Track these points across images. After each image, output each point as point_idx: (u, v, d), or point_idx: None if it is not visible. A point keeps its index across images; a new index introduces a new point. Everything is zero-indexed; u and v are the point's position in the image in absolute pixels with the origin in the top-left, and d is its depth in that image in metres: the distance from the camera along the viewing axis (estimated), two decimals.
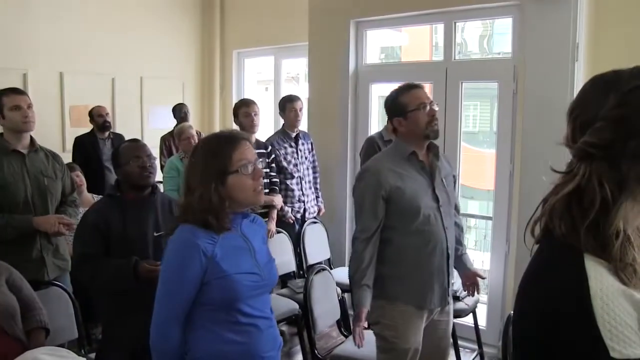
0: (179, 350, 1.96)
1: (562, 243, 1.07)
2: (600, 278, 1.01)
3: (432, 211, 2.71)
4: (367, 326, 2.86)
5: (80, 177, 4.42)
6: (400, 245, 2.72)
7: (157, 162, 3.29)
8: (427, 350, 2.85)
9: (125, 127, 6.27)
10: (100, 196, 3.75)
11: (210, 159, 1.96)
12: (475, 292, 3.12)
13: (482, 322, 4.41)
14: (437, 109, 2.74)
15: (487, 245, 5.65)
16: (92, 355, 3.04)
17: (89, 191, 4.59)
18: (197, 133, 5.23)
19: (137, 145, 2.91)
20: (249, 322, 2.00)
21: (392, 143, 2.89)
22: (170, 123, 6.51)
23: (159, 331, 1.94)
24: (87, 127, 6.14)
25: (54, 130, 6.32)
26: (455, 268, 3.03)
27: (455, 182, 3.02)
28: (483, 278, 3.16)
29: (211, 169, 1.94)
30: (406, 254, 2.72)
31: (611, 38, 3.79)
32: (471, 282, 3.06)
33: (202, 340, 1.97)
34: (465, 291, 3.20)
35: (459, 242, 3.03)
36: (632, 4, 3.73)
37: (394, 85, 2.84)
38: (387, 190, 2.65)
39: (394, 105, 2.76)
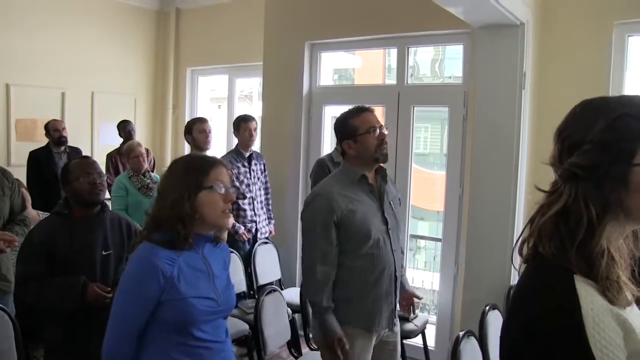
0: None
1: (553, 263, 1.11)
2: (590, 298, 1.05)
3: (381, 234, 2.72)
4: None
5: (25, 194, 4.28)
6: (349, 269, 2.70)
7: None
8: None
9: (75, 143, 6.12)
10: (48, 213, 3.64)
11: (188, 171, 2.01)
12: (412, 312, 3.13)
13: (430, 343, 4.45)
14: (387, 132, 2.74)
15: (436, 266, 5.70)
16: None
17: (44, 206, 4.45)
18: (146, 151, 5.16)
19: (87, 162, 2.89)
20: (201, 345, 1.98)
21: (340, 166, 2.87)
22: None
23: (111, 349, 1.91)
24: (34, 142, 6.00)
25: None
26: None
27: (400, 204, 3.04)
28: (420, 298, 3.16)
29: (187, 180, 1.98)
30: (355, 277, 2.70)
31: (556, 68, 3.94)
32: (408, 302, 3.08)
33: (152, 359, 1.95)
34: (401, 311, 3.15)
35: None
36: (574, 36, 3.89)
37: (347, 108, 2.86)
38: (339, 215, 2.63)
39: (344, 128, 2.75)
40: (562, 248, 1.10)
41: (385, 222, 2.75)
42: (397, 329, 2.94)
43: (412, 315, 3.17)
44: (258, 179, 4.87)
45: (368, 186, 2.74)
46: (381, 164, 2.79)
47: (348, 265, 2.70)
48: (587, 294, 1.06)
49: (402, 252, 3.07)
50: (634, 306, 1.14)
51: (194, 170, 2.01)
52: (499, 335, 1.22)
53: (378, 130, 2.69)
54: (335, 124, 2.85)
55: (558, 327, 1.05)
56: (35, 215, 4.22)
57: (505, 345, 1.20)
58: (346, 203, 2.65)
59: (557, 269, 1.10)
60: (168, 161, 7.05)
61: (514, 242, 1.25)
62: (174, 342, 1.94)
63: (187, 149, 5.22)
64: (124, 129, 6.46)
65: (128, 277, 1.94)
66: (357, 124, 2.70)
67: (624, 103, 1.15)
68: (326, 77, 5.45)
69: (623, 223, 1.13)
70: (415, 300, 3.09)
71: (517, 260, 1.22)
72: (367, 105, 2.83)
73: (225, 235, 4.42)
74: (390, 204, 2.82)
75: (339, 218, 2.63)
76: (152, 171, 5.49)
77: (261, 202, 4.91)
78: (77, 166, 2.82)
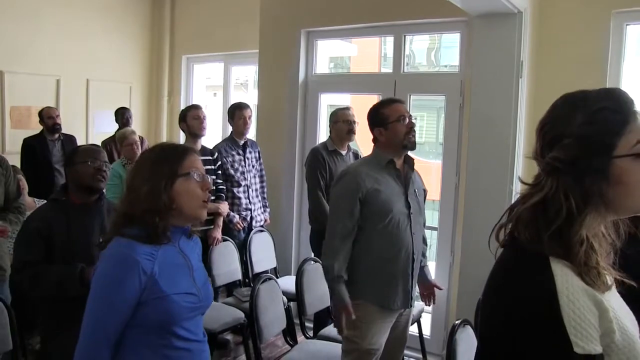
0: None
1: (529, 248, 1.14)
2: (565, 277, 1.08)
3: (403, 217, 2.86)
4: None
5: (22, 182, 4.26)
6: (368, 245, 2.84)
7: None
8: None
9: (70, 130, 6.07)
10: (44, 200, 3.62)
11: (161, 160, 1.89)
12: (432, 302, 3.26)
13: (426, 331, 4.46)
14: (415, 122, 2.94)
15: (432, 255, 5.71)
16: None
17: (38, 194, 4.42)
18: (140, 138, 5.13)
19: (97, 149, 2.93)
20: (183, 346, 1.86)
21: (372, 152, 3.01)
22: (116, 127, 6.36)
23: (86, 355, 1.74)
24: (29, 129, 5.96)
25: None
26: None
27: (425, 197, 3.15)
28: (440, 289, 3.29)
29: (161, 168, 1.85)
30: (373, 254, 2.84)
31: (553, 56, 3.92)
32: (429, 292, 3.23)
33: None
34: (422, 301, 3.34)
35: (422, 254, 3.15)
36: (572, 25, 3.87)
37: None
38: (364, 192, 2.79)
39: (376, 116, 2.93)
40: (537, 235, 1.14)
41: (408, 206, 2.89)
42: (411, 311, 3.08)
43: (432, 305, 3.31)
44: (253, 166, 4.86)
45: (395, 171, 2.90)
46: (408, 154, 2.97)
47: (367, 242, 2.84)
48: (563, 273, 1.09)
49: (426, 243, 3.23)
50: (614, 290, 1.17)
51: (167, 158, 1.89)
52: (479, 314, 1.26)
53: (407, 120, 2.89)
54: (368, 113, 3.01)
55: (534, 305, 1.08)
56: (31, 202, 4.21)
57: (484, 325, 1.23)
58: (372, 182, 2.82)
59: (533, 253, 1.13)
60: None
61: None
62: (155, 344, 1.81)
63: (182, 137, 5.19)
64: (122, 116, 6.43)
65: (103, 276, 1.77)
66: (388, 112, 2.89)
67: (603, 96, 1.16)
68: (322, 65, 5.42)
69: (604, 214, 1.16)
70: (436, 290, 3.24)
71: (493, 244, 1.26)
72: (398, 98, 3.02)
73: (220, 221, 4.44)
74: (415, 191, 2.96)
75: (364, 195, 2.80)
76: None
77: (256, 190, 4.90)
78: (87, 150, 2.87)
